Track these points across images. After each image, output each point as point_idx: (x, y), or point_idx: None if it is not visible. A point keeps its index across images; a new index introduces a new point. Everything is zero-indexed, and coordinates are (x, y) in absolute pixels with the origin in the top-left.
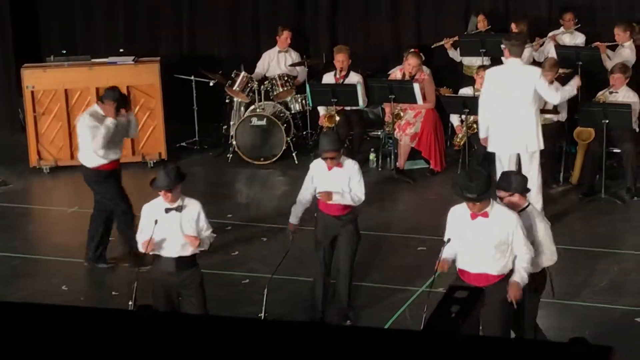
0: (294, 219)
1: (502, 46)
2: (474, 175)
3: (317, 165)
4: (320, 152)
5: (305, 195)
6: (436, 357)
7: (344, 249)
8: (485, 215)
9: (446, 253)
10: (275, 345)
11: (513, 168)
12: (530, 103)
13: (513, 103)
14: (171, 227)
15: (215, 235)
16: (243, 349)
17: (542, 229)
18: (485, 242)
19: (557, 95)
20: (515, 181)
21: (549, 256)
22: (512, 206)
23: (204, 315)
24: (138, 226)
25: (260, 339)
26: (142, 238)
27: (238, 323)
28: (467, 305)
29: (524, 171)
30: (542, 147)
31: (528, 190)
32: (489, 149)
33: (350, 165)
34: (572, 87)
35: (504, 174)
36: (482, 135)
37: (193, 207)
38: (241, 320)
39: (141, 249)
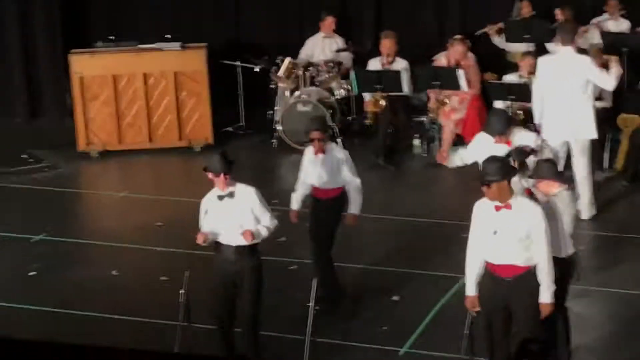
0: (295, 204)
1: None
2: (491, 159)
3: (309, 151)
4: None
5: (303, 179)
6: None
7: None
8: (509, 207)
9: (473, 264)
10: None
11: (563, 156)
12: (583, 91)
13: (565, 92)
14: (226, 214)
15: (277, 222)
16: None
17: (568, 217)
18: (509, 235)
19: (612, 80)
20: (543, 168)
21: (569, 244)
22: (544, 191)
23: None
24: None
25: None
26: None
27: None
28: None
29: (575, 161)
30: (595, 135)
31: (557, 176)
32: (543, 136)
33: (337, 152)
34: (616, 67)
35: (539, 161)
36: (536, 120)
37: (246, 194)
38: None
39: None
